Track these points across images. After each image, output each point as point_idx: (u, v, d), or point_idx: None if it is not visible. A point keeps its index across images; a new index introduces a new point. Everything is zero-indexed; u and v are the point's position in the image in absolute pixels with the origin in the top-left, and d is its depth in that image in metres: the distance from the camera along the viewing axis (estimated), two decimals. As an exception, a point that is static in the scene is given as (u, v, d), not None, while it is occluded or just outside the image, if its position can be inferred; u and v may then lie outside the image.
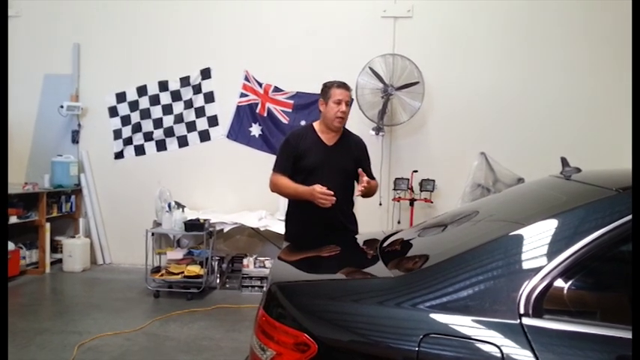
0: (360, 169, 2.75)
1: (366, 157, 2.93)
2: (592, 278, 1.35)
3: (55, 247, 5.64)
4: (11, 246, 5.02)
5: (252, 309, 3.93)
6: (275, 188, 2.84)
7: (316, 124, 2.88)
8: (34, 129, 5.88)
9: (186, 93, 5.71)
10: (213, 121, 5.73)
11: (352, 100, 2.89)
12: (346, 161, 2.79)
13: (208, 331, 3.86)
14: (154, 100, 5.76)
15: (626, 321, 1.20)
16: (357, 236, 2.64)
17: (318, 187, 2.61)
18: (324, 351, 1.34)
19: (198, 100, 5.72)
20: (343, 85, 2.81)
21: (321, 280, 1.71)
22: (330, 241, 2.39)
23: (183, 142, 5.77)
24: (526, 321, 1.24)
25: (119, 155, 5.83)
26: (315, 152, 2.77)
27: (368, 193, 2.83)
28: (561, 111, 5.32)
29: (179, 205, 5.08)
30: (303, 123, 5.35)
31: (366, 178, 2.72)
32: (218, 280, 5.06)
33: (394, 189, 5.18)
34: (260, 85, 5.62)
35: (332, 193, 2.60)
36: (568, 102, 5.32)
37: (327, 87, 2.83)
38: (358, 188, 2.75)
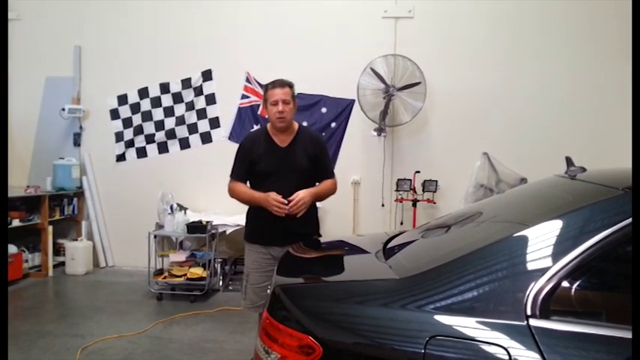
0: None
1: (324, 153, 2.85)
2: (599, 279, 1.34)
3: (58, 250, 5.63)
4: (14, 249, 5.02)
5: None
6: (232, 195, 2.84)
7: (269, 126, 2.81)
8: (36, 132, 5.88)
9: (188, 95, 5.71)
10: (214, 122, 5.72)
11: (293, 94, 2.75)
12: (301, 161, 2.73)
13: (212, 333, 3.85)
14: (156, 102, 5.76)
15: (634, 322, 1.18)
16: (360, 237, 2.62)
17: (273, 195, 2.59)
18: (329, 354, 1.33)
19: (200, 102, 5.72)
20: (279, 85, 2.71)
21: (326, 282, 1.70)
22: (334, 242, 2.38)
23: (184, 144, 5.77)
24: (533, 322, 1.23)
25: (121, 158, 5.82)
26: (269, 156, 2.73)
27: (318, 198, 2.76)
28: (564, 110, 5.30)
29: (181, 207, 5.07)
30: (305, 124, 5.33)
31: (293, 197, 2.59)
32: (221, 283, 5.05)
33: (396, 190, 5.16)
34: (261, 86, 5.61)
35: (286, 202, 2.57)
36: (571, 101, 5.29)
37: (264, 90, 2.81)
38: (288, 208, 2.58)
